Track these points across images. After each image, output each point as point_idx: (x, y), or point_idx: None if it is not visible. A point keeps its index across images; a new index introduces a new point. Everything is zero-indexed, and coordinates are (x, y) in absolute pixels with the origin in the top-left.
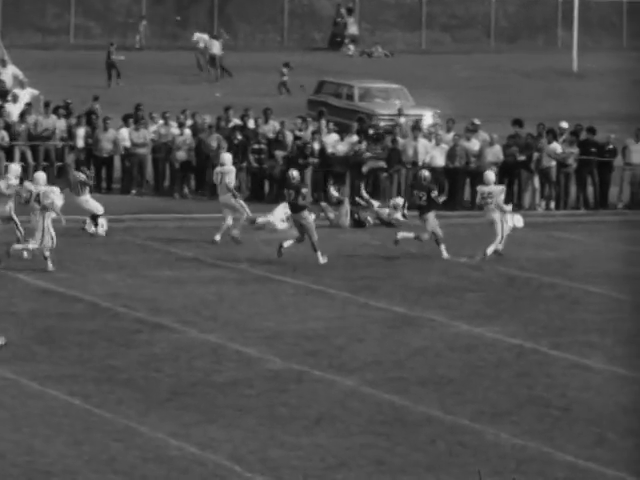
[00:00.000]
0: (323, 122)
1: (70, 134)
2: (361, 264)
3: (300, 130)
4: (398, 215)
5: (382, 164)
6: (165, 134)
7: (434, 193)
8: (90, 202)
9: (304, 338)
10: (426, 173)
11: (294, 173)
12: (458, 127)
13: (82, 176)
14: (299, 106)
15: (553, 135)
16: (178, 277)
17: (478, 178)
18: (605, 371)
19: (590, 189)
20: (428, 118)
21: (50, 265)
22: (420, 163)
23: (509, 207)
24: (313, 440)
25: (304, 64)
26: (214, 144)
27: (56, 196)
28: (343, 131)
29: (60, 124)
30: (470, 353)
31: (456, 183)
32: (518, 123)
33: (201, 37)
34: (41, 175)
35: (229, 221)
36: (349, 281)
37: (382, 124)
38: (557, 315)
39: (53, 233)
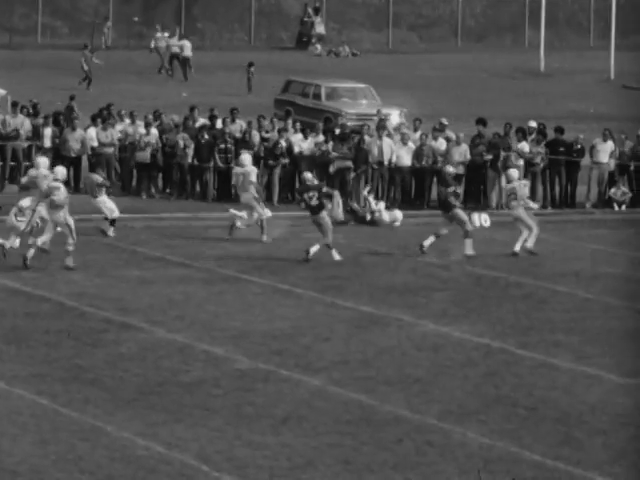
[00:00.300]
0: (290, 122)
1: (37, 134)
2: (328, 263)
3: (267, 132)
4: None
5: (349, 164)
6: (132, 133)
7: (451, 189)
8: (107, 204)
9: (271, 337)
10: (450, 169)
11: (309, 175)
12: (425, 126)
13: (99, 178)
14: (266, 105)
15: (522, 134)
16: (145, 277)
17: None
18: (572, 370)
19: (557, 188)
20: (395, 117)
21: (31, 254)
22: (386, 162)
23: (535, 205)
24: (280, 439)
25: (271, 63)
26: (180, 143)
27: (59, 192)
28: (310, 130)
29: (26, 124)
30: (437, 352)
31: (423, 182)
32: (482, 122)
33: (162, 37)
34: (60, 170)
35: (252, 220)
36: (316, 280)
37: (349, 123)
38: (524, 314)
39: (72, 224)
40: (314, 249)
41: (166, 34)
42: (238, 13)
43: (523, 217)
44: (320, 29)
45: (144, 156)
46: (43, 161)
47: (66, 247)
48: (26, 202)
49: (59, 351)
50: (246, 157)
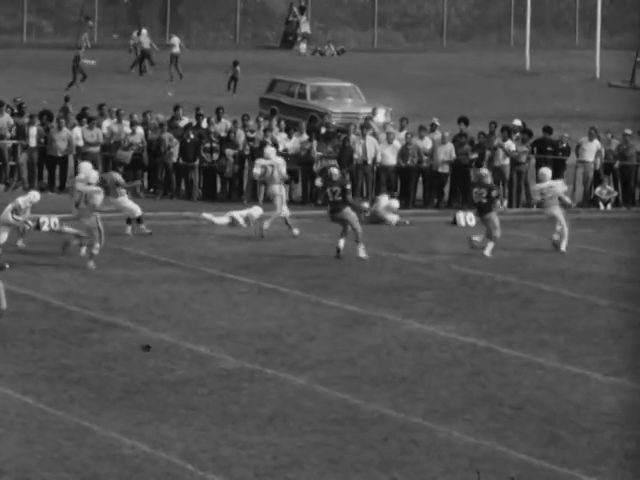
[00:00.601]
0: (274, 121)
1: (22, 133)
2: (313, 262)
3: (252, 131)
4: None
5: (334, 163)
6: (117, 132)
7: (495, 192)
8: (127, 203)
9: (256, 337)
10: (485, 171)
11: (335, 170)
12: (411, 125)
13: (120, 178)
14: (252, 105)
15: (508, 132)
16: (131, 276)
17: (430, 177)
18: (558, 369)
19: None
20: (380, 116)
21: (92, 264)
22: (370, 161)
23: (570, 200)
24: (265, 438)
25: (256, 62)
26: (166, 142)
27: (99, 196)
28: (294, 130)
29: (11, 123)
30: (423, 351)
31: (408, 182)
32: (464, 121)
33: (135, 37)
34: (93, 175)
35: (285, 212)
36: (301, 279)
37: (334, 122)
38: (510, 313)
39: (102, 229)
40: (363, 253)
41: (135, 33)
42: (223, 12)
43: (559, 217)
44: (305, 28)
45: (125, 156)
46: (86, 165)
47: (92, 250)
48: (23, 201)
49: (45, 350)
50: (271, 149)
